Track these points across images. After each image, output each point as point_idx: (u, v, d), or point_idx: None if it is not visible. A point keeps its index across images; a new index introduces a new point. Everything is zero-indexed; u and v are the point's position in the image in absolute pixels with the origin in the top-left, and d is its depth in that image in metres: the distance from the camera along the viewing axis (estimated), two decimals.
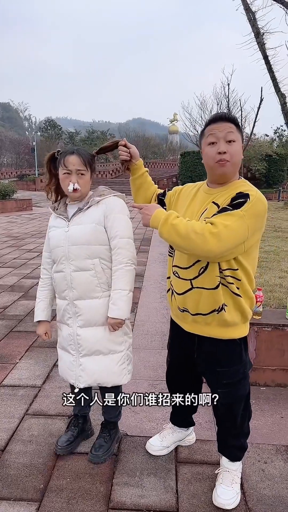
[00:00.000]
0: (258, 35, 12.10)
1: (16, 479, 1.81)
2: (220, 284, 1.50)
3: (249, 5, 12.30)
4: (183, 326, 1.69)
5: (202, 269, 1.51)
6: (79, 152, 1.70)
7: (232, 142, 1.47)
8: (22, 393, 2.52)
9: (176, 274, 1.62)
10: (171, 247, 1.67)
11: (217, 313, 1.53)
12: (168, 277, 1.74)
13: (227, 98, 11.54)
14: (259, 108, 10.87)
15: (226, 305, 1.52)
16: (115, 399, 1.80)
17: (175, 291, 1.66)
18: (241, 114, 10.47)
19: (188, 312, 1.60)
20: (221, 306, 1.52)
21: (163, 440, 1.98)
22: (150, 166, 45.10)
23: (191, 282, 1.55)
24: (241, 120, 10.62)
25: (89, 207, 1.75)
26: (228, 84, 11.65)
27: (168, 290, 1.75)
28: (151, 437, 2.10)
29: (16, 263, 6.32)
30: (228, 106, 11.63)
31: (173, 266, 1.66)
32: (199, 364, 1.71)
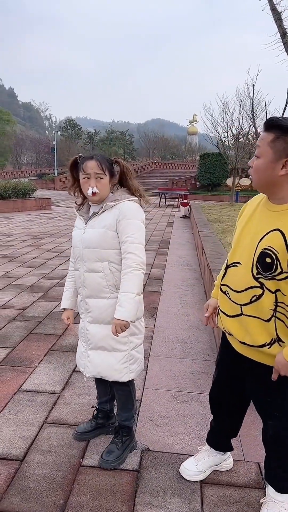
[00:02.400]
0: (285, 35, 11.82)
1: (36, 492, 1.75)
2: (274, 317, 1.38)
3: (276, 5, 12.05)
4: (234, 346, 1.58)
5: (255, 297, 1.39)
6: (97, 158, 1.77)
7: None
8: (41, 400, 2.47)
9: (227, 294, 1.53)
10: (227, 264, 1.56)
11: (269, 348, 1.40)
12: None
13: (251, 99, 11.31)
14: (284, 109, 10.62)
15: (282, 341, 1.39)
16: (123, 397, 1.97)
17: (222, 311, 1.56)
18: (266, 116, 10.21)
19: (235, 338, 1.50)
20: (274, 340, 1.39)
21: (199, 464, 1.86)
22: (169, 167, 44.98)
23: (241, 307, 1.45)
24: None
25: (103, 211, 1.82)
26: (253, 85, 11.43)
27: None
28: (174, 453, 2.02)
29: (36, 263, 6.32)
30: (253, 108, 11.42)
31: (222, 284, 1.56)
32: (249, 388, 1.60)
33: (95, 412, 2.18)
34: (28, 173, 46.28)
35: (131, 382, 1.97)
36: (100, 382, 2.09)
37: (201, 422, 2.29)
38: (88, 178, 1.77)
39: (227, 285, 1.53)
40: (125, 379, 1.91)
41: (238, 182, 20.91)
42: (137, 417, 2.29)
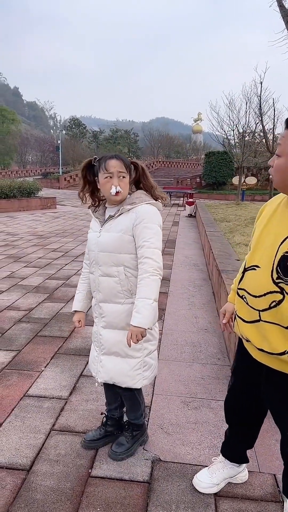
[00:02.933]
0: None
1: (43, 505, 1.68)
2: None
3: (283, 1, 11.89)
4: (251, 353, 1.50)
5: (274, 303, 1.31)
6: (119, 156, 1.75)
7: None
8: (48, 405, 2.41)
9: (244, 299, 1.45)
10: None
11: None
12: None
13: (259, 97, 11.16)
14: None
15: None
16: (129, 399, 1.95)
17: (239, 317, 1.48)
18: (274, 114, 10.13)
19: (253, 344, 1.42)
20: None
21: (213, 476, 1.78)
22: (174, 165, 44.83)
23: (259, 313, 1.37)
24: (273, 120, 10.29)
25: (119, 214, 1.77)
26: (261, 82, 11.28)
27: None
28: (186, 464, 1.94)
29: (41, 263, 6.27)
30: (260, 105, 11.26)
31: (240, 288, 1.48)
32: (266, 398, 1.52)
33: (104, 419, 2.11)
34: (33, 172, 46.38)
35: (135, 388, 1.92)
36: (109, 388, 2.04)
37: (214, 431, 2.21)
38: (110, 177, 1.72)
39: (244, 290, 1.45)
40: (138, 385, 1.87)
41: (244, 181, 20.76)
42: (147, 424, 2.22)
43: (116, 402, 2.07)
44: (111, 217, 1.79)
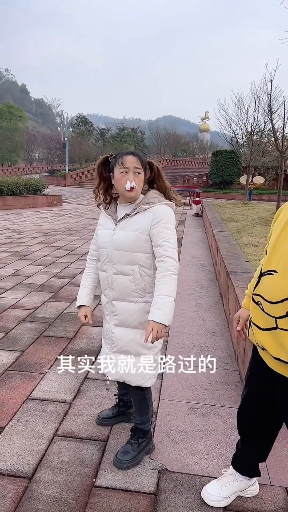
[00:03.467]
0: None
1: None
2: None
3: None
4: (266, 361, 1.42)
5: None
6: (136, 153, 1.75)
7: None
8: (51, 409, 2.34)
9: (260, 305, 1.37)
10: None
11: None
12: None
13: (268, 95, 10.98)
14: None
15: None
16: (139, 399, 1.93)
17: (255, 324, 1.40)
18: (284, 113, 9.94)
19: (269, 353, 1.34)
20: None
21: (222, 488, 1.70)
22: (180, 164, 44.63)
23: (276, 320, 1.29)
24: (284, 119, 10.11)
25: (136, 213, 1.76)
26: (271, 80, 11.09)
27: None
28: (194, 475, 1.86)
29: (46, 261, 6.21)
30: (270, 104, 11.08)
31: (255, 294, 1.40)
32: (282, 409, 1.44)
33: (117, 400, 2.25)
34: (40, 169, 46.46)
35: (146, 387, 1.91)
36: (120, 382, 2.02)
37: (222, 440, 2.13)
38: (126, 172, 1.71)
39: (260, 295, 1.37)
40: (148, 384, 1.87)
41: (252, 180, 20.59)
42: (154, 431, 2.14)
43: (126, 389, 2.06)
44: (127, 215, 1.77)
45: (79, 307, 1.99)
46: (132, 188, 1.71)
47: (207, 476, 1.86)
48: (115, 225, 1.80)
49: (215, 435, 2.17)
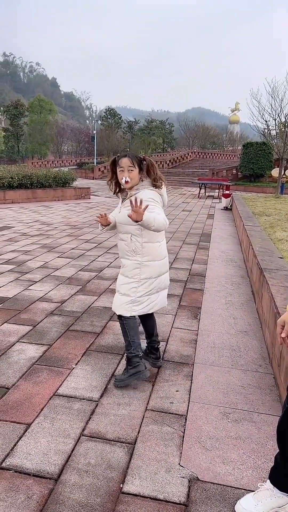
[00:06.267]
0: None
1: None
2: None
3: None
4: None
5: None
6: (129, 155, 2.42)
7: None
8: (78, 407, 2.29)
9: None
10: None
11: None
12: None
13: None
14: None
15: None
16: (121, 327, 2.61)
17: None
18: None
19: None
20: None
21: (258, 504, 1.59)
22: (209, 156, 43.82)
23: None
24: None
25: (129, 198, 2.39)
26: None
27: None
28: (227, 486, 1.75)
29: (74, 254, 6.21)
30: None
31: None
32: None
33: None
34: (68, 162, 46.95)
35: (124, 319, 2.53)
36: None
37: (257, 449, 2.00)
38: (122, 170, 2.38)
39: None
40: (119, 312, 2.54)
41: (284, 173, 19.88)
42: (184, 434, 2.04)
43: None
44: (123, 199, 2.56)
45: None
46: (126, 181, 2.37)
47: (241, 488, 1.75)
48: (121, 205, 2.55)
49: (249, 443, 2.04)
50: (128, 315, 2.51)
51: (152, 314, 2.70)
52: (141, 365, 2.49)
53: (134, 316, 2.55)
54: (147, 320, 2.73)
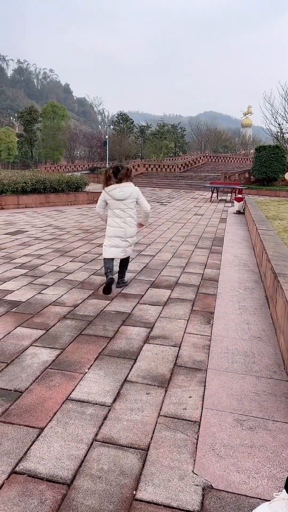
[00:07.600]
0: None
1: None
2: None
3: None
4: None
5: None
6: (117, 167, 3.83)
7: None
8: (91, 412, 2.28)
9: None
10: None
11: None
12: None
13: None
14: None
15: None
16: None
17: None
18: None
19: None
20: None
21: None
22: (221, 160, 43.67)
23: None
24: None
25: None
26: None
27: None
28: (242, 495, 1.72)
29: (87, 258, 6.24)
30: None
31: None
32: None
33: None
34: (81, 167, 47.34)
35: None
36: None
37: (272, 457, 1.96)
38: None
39: None
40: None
41: None
42: (197, 441, 2.01)
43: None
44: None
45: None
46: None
47: (256, 498, 1.71)
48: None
49: (264, 451, 2.00)
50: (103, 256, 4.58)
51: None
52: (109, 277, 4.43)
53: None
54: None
